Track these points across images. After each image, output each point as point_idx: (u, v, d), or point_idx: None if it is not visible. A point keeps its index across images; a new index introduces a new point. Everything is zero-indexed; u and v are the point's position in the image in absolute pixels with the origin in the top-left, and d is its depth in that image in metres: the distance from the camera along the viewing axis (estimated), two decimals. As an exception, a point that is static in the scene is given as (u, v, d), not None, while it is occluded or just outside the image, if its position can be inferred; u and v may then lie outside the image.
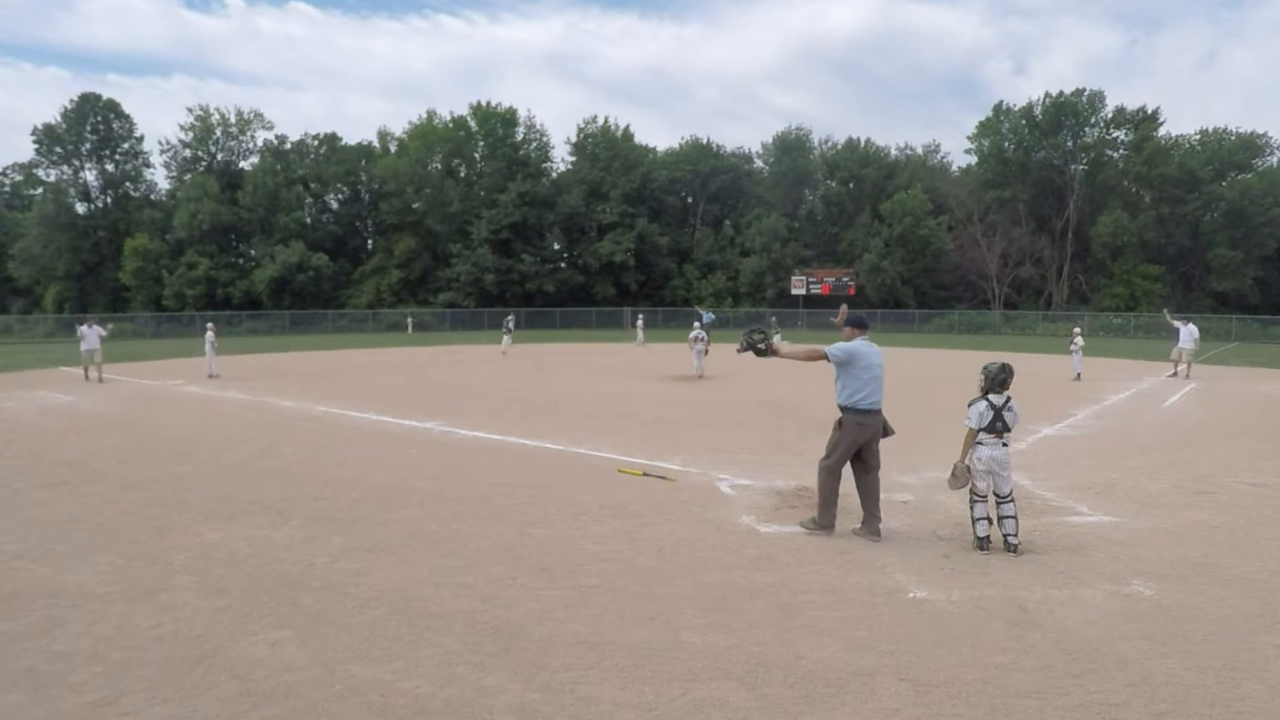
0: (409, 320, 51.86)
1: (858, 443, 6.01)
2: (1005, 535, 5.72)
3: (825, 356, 6.12)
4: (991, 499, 5.80)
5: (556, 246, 66.30)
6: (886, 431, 6.19)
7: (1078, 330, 21.90)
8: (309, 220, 64.50)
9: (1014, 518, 5.75)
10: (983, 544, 5.73)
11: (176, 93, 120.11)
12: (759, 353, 6.44)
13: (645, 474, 8.28)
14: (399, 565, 5.43)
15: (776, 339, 7.00)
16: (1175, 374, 20.40)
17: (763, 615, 4.54)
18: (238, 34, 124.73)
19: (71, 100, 60.98)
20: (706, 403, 14.92)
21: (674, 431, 11.26)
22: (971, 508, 5.82)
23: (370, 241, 67.25)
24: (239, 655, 4.00)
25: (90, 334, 18.92)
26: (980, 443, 5.73)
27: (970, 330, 52.66)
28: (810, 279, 59.07)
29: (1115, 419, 13.03)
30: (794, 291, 58.95)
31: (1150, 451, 9.99)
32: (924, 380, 20.11)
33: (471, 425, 11.80)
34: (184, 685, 3.68)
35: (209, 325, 21.65)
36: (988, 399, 5.74)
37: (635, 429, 11.57)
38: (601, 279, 61.88)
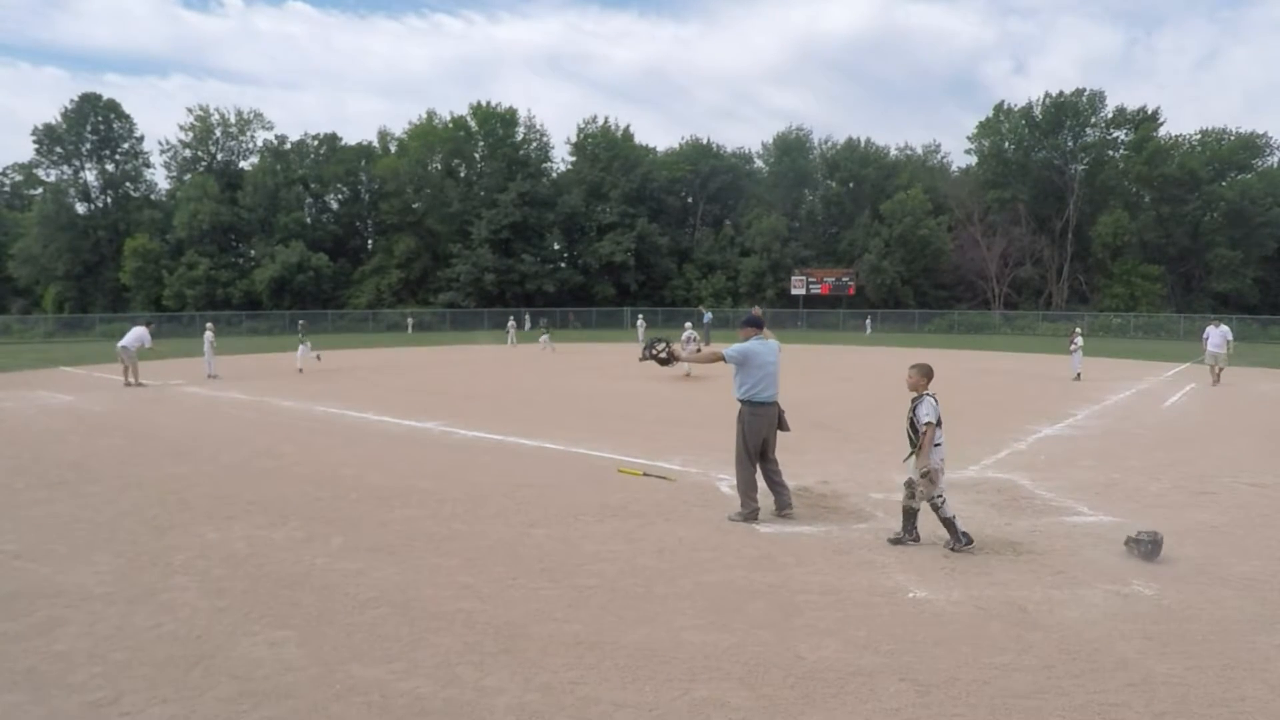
0: (409, 320, 51.88)
1: (759, 432, 6.47)
2: (913, 528, 5.80)
3: (724, 359, 6.51)
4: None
5: (556, 246, 66.33)
6: (782, 425, 6.64)
7: (1078, 330, 21.88)
8: (309, 220, 64.50)
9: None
10: (968, 538, 5.67)
11: (175, 92, 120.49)
12: (661, 362, 6.72)
13: (645, 474, 8.28)
14: (399, 565, 5.42)
15: (684, 343, 7.20)
16: (1217, 382, 18.42)
17: (763, 615, 4.54)
18: (236, 33, 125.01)
19: (72, 100, 61.11)
20: (706, 403, 14.91)
21: (674, 431, 11.25)
22: (939, 509, 5.69)
23: (370, 241, 67.28)
24: (239, 655, 4.00)
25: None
26: (937, 442, 5.65)
27: (970, 330, 52.68)
28: (810, 279, 59.11)
29: (1115, 419, 13.03)
30: (794, 291, 58.97)
31: (1150, 451, 9.99)
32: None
33: (471, 425, 11.80)
34: (184, 685, 3.68)
35: (208, 325, 21.64)
36: (932, 395, 5.72)
37: (635, 429, 11.56)
38: (601, 279, 61.89)
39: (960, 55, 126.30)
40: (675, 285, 63.62)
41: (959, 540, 5.67)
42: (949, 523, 5.70)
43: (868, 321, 51.46)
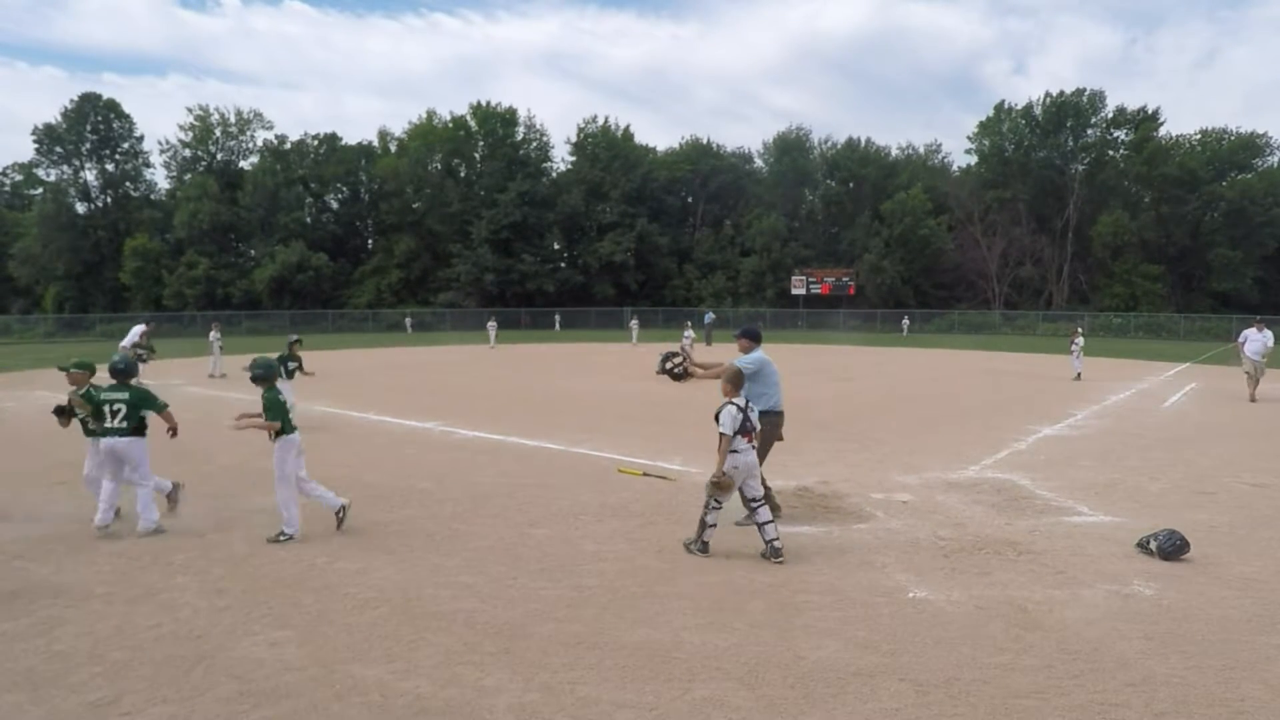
0: (409, 320, 51.88)
1: (771, 440, 6.47)
2: (770, 541, 5.51)
3: (740, 371, 6.23)
4: (733, 504, 5.62)
5: (556, 246, 66.35)
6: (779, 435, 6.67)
7: (1079, 330, 21.87)
8: (309, 220, 64.54)
9: (773, 521, 5.64)
10: (705, 548, 5.59)
11: (173, 92, 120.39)
12: (675, 377, 6.61)
13: (645, 474, 8.28)
14: (399, 565, 5.42)
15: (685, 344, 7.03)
16: (1254, 398, 15.54)
17: (763, 615, 4.54)
18: (234, 33, 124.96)
19: (71, 100, 61.18)
20: (706, 403, 14.89)
21: (674, 431, 11.26)
22: (707, 513, 5.60)
23: (370, 241, 67.33)
24: (239, 655, 4.00)
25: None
26: (736, 449, 5.48)
27: (970, 330, 52.68)
28: (810, 279, 59.13)
29: (1115, 419, 13.03)
30: (794, 291, 58.99)
31: (1150, 451, 9.99)
32: (921, 382, 20.11)
33: (471, 425, 11.80)
34: (184, 685, 3.68)
35: (214, 325, 21.75)
36: (734, 402, 5.54)
37: (635, 429, 11.56)
38: (601, 279, 61.91)
39: (960, 55, 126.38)
40: (675, 285, 63.64)
41: (697, 543, 5.63)
42: (703, 525, 5.63)
43: (904, 322, 51.06)
